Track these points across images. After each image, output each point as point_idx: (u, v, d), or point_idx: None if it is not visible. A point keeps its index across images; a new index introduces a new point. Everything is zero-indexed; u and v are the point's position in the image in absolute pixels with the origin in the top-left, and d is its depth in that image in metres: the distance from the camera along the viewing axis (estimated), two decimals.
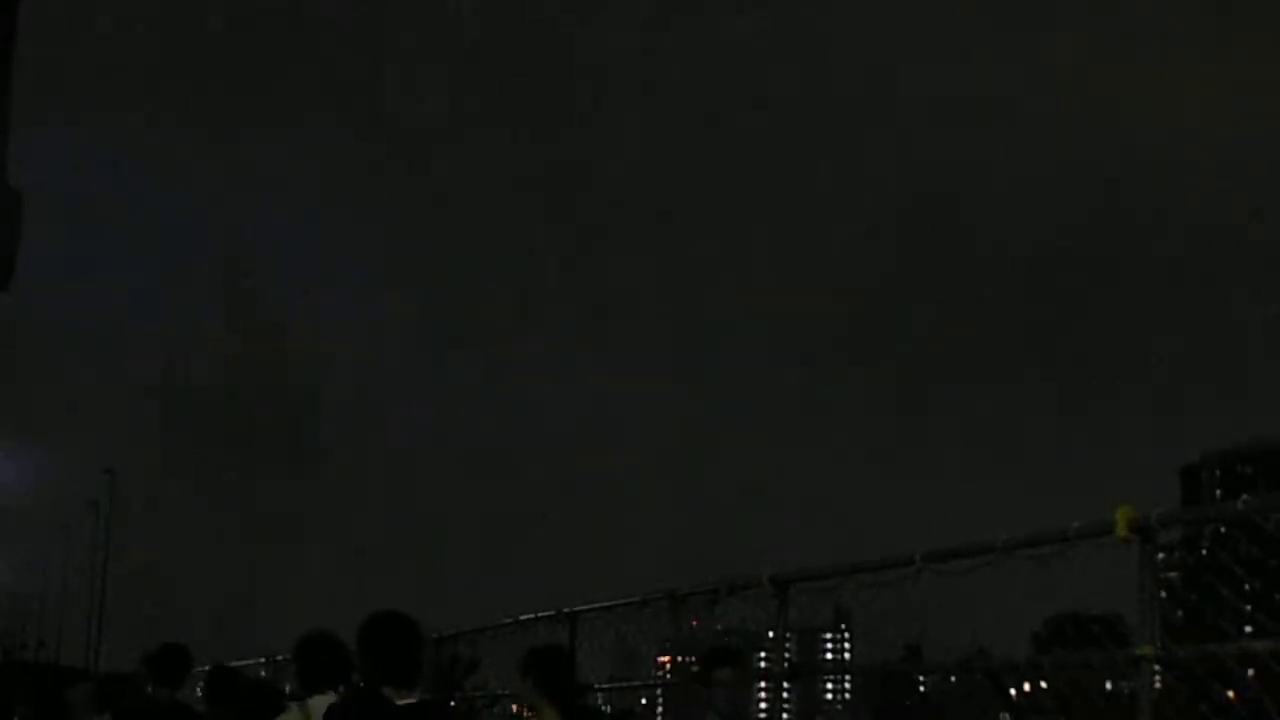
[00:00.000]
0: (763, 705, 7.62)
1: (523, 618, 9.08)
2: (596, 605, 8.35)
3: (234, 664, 16.86)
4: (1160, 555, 4.76)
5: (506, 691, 9.73)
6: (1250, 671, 4.66)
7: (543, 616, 8.81)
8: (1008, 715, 6.11)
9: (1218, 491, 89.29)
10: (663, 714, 9.02)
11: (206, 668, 9.09)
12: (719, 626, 7.61)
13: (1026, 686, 5.82)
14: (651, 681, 8.58)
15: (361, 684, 4.84)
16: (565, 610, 8.52)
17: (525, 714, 9.81)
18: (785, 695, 6.99)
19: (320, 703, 5.17)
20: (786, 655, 6.79)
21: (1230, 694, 4.87)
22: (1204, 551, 5.05)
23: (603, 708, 9.20)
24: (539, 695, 5.49)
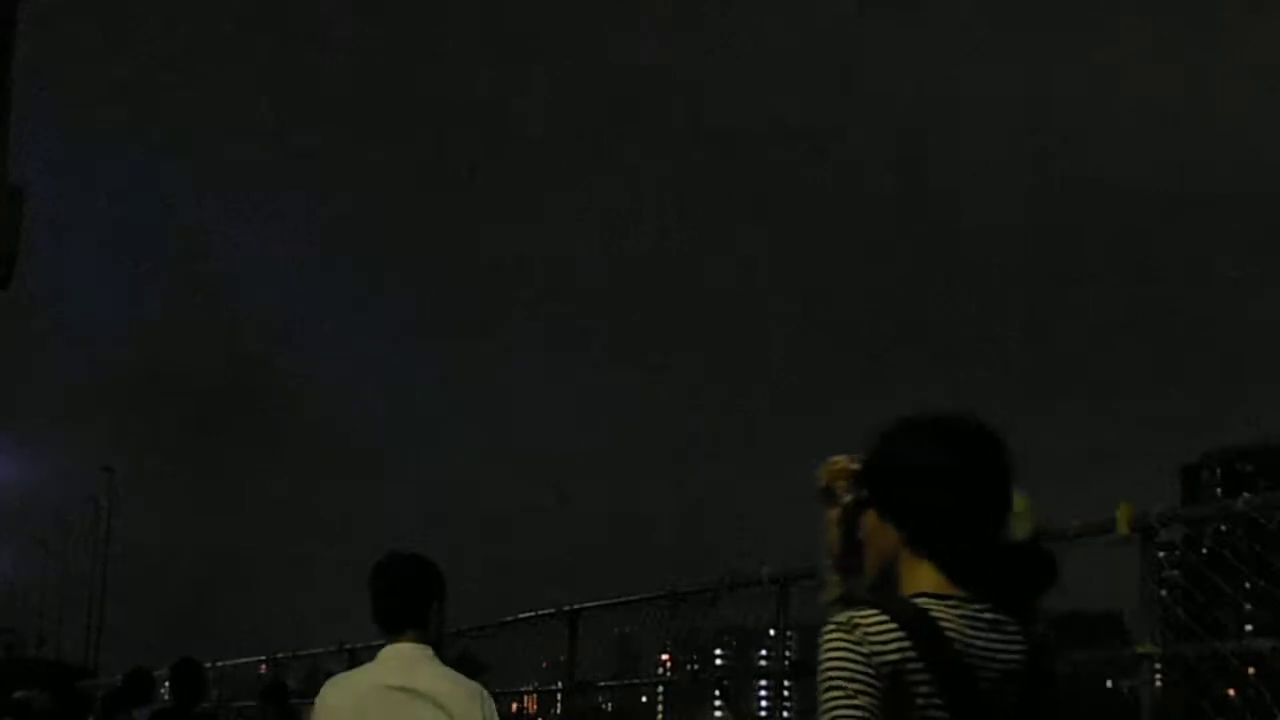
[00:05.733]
0: (763, 704, 7.61)
1: (523, 616, 9.08)
2: (597, 603, 8.35)
3: (235, 662, 16.88)
4: (1161, 554, 4.76)
5: (505, 690, 9.73)
6: (1251, 669, 4.66)
7: (543, 615, 8.81)
8: None
9: (1218, 490, 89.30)
10: (663, 712, 9.02)
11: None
12: (719, 625, 7.62)
13: None
14: (652, 679, 8.58)
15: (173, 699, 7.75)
16: (565, 608, 8.52)
17: (527, 712, 9.82)
18: (786, 694, 6.98)
19: (143, 712, 8.31)
20: (787, 654, 6.78)
21: (1231, 692, 4.87)
22: (1205, 550, 5.04)
23: (604, 705, 9.21)
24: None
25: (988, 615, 2.09)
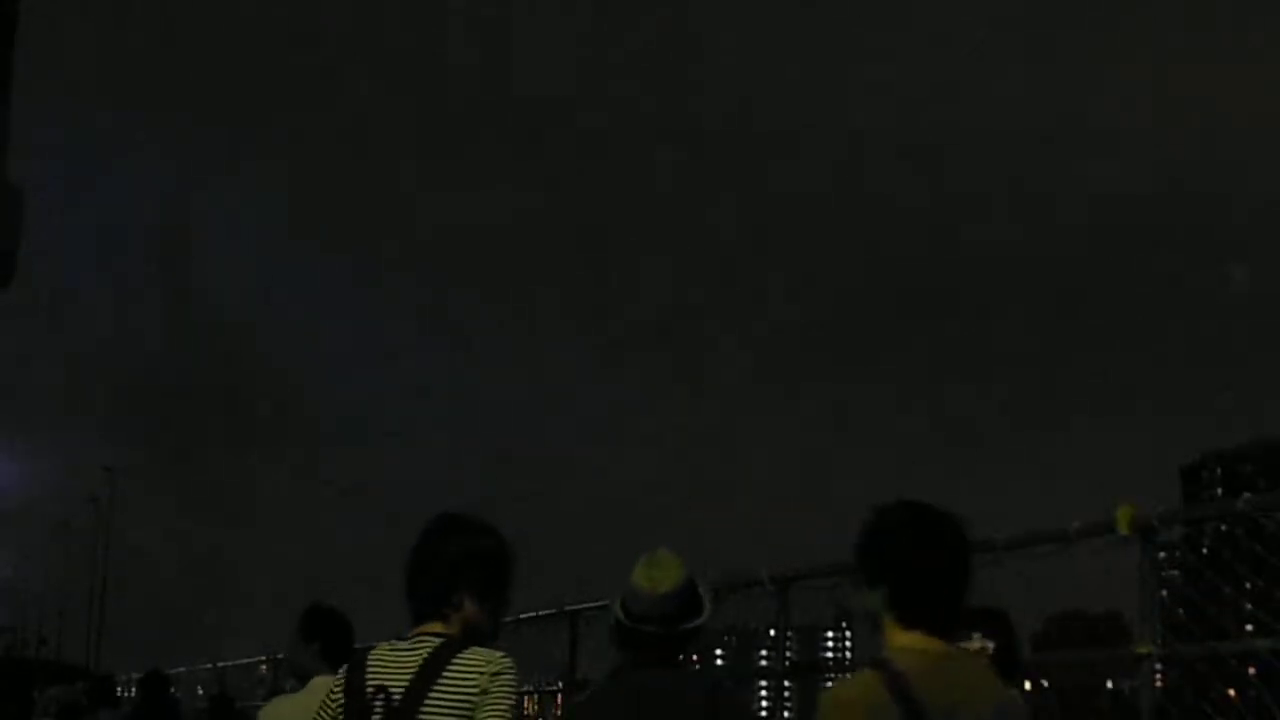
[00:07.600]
0: (764, 704, 7.62)
1: (523, 616, 9.09)
2: (596, 603, 8.35)
3: (237, 663, 16.86)
4: (1161, 554, 4.76)
5: None
6: (1251, 669, 4.67)
7: (543, 614, 8.81)
8: None
9: (1218, 490, 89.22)
10: None
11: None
12: (718, 625, 7.61)
13: (1028, 685, 5.82)
14: None
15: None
16: (565, 608, 8.52)
17: (527, 713, 9.84)
18: (786, 694, 6.99)
19: (109, 715, 9.46)
20: (787, 654, 6.79)
21: (1231, 692, 4.87)
22: (1205, 550, 5.05)
23: None
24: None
25: (411, 651, 3.08)
